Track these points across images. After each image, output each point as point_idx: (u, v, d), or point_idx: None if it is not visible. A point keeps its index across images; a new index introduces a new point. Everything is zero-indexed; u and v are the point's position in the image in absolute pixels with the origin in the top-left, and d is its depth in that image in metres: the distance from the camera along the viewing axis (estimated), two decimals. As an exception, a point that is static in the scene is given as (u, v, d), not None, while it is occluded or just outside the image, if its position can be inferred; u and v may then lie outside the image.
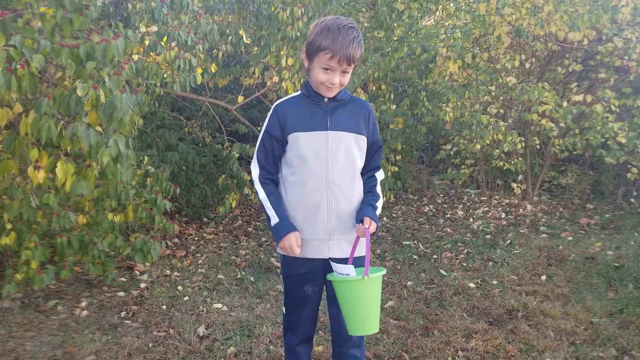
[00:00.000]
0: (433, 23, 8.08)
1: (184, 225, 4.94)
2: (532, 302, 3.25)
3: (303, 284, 1.91)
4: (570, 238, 4.62)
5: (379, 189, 1.93)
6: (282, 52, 4.16)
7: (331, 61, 1.71)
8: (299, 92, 1.89)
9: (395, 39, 5.46)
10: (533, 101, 5.08)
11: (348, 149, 1.83)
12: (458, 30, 6.42)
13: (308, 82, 1.86)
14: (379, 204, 1.89)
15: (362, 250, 1.85)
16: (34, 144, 2.40)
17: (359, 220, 1.81)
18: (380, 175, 1.97)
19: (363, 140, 1.87)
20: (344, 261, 1.84)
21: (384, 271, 1.75)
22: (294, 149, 1.83)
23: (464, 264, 4.02)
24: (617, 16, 4.91)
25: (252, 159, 1.96)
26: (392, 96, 5.28)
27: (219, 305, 3.24)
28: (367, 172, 1.95)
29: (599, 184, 6.08)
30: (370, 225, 1.78)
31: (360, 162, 1.88)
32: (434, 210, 5.77)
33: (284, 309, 2.01)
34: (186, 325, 2.94)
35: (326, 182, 1.81)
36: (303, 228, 1.83)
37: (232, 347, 2.69)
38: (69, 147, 2.32)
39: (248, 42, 4.31)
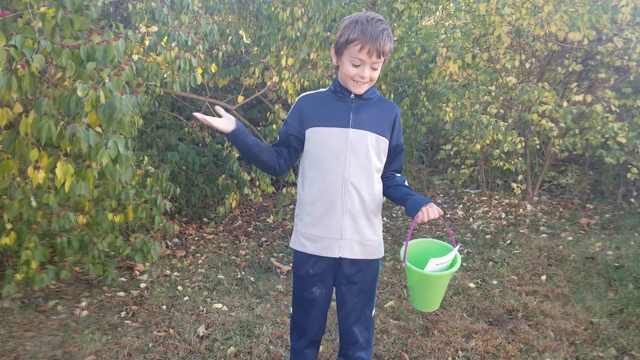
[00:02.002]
0: (433, 23, 8.08)
1: (184, 225, 4.94)
2: (532, 302, 3.25)
3: (312, 285, 1.89)
4: (570, 238, 4.63)
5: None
6: (282, 52, 4.15)
7: (361, 53, 1.68)
8: (327, 88, 1.88)
9: (395, 39, 5.45)
10: (533, 101, 5.08)
11: (368, 149, 1.79)
12: (458, 30, 6.42)
13: (337, 79, 1.83)
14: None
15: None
16: (34, 144, 2.40)
17: (416, 209, 1.72)
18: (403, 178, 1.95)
19: (385, 143, 1.84)
20: (353, 262, 1.83)
21: (457, 266, 1.73)
22: (313, 143, 1.81)
23: (464, 264, 4.02)
24: (617, 16, 4.91)
25: None
26: (392, 96, 5.28)
27: (219, 305, 3.24)
28: (389, 173, 1.92)
29: (599, 184, 6.09)
30: (432, 209, 1.70)
31: (379, 164, 1.85)
32: (434, 210, 5.76)
33: (291, 309, 2.00)
34: (186, 325, 2.94)
35: (343, 180, 1.78)
36: (317, 225, 1.82)
37: (232, 347, 2.69)
38: (68, 147, 2.32)
39: (248, 42, 4.30)
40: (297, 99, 1.90)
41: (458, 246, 1.76)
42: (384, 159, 1.87)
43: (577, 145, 5.33)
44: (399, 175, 1.93)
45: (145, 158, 3.59)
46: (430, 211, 1.68)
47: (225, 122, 1.76)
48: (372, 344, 1.97)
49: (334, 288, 1.94)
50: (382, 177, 1.91)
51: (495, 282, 3.65)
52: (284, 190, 4.83)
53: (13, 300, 3.20)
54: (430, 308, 1.79)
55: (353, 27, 1.69)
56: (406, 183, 1.93)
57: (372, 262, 1.88)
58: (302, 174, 1.88)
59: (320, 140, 1.80)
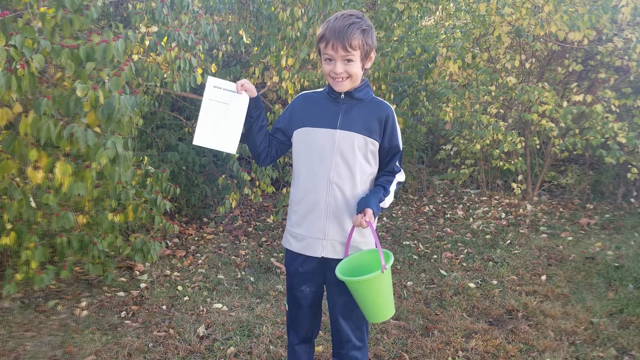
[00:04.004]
0: (433, 23, 8.08)
1: (184, 225, 4.94)
2: (532, 302, 3.25)
3: (301, 283, 1.91)
4: (570, 238, 4.62)
5: (391, 186, 1.85)
6: (282, 52, 4.15)
7: (327, 48, 1.70)
8: (324, 88, 1.88)
9: (395, 39, 5.46)
10: (533, 101, 5.08)
11: (354, 150, 1.78)
12: (458, 30, 6.43)
13: None
14: (386, 196, 1.82)
15: (360, 240, 1.83)
16: (34, 144, 2.40)
17: (359, 209, 1.76)
18: (399, 176, 1.89)
19: (374, 144, 1.81)
20: (338, 262, 1.82)
21: (391, 260, 1.72)
22: (301, 143, 1.84)
23: (464, 264, 4.02)
24: (617, 16, 4.91)
25: (252, 159, 1.97)
26: (392, 96, 5.28)
27: (219, 305, 3.24)
28: (383, 174, 1.89)
29: (599, 184, 6.09)
30: (366, 214, 1.72)
31: (367, 166, 1.83)
32: (434, 210, 5.77)
33: (286, 306, 2.02)
34: (186, 325, 2.94)
35: (327, 181, 1.79)
36: (302, 224, 1.84)
37: (232, 347, 2.69)
38: (67, 147, 2.32)
39: (248, 42, 4.30)
40: (295, 96, 1.93)
41: (386, 259, 1.72)
42: (374, 161, 1.85)
43: (577, 145, 5.33)
44: (398, 175, 1.90)
45: (145, 158, 3.59)
46: (362, 221, 1.72)
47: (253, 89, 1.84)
48: (367, 345, 1.98)
49: (325, 287, 1.95)
50: (378, 177, 1.89)
51: (495, 282, 3.64)
52: (284, 190, 4.83)
53: (13, 300, 3.20)
54: (387, 314, 1.77)
55: (324, 25, 1.72)
56: (396, 181, 1.87)
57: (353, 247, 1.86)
58: (293, 172, 1.92)
59: (308, 141, 1.82)
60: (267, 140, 1.91)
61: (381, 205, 1.80)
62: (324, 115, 1.81)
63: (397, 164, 1.88)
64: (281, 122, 1.91)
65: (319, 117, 1.81)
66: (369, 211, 1.73)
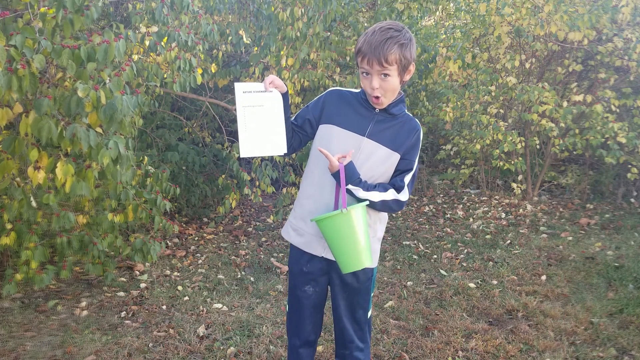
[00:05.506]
0: (433, 23, 8.08)
1: (184, 225, 4.94)
2: (532, 302, 3.25)
3: (304, 283, 1.90)
4: (570, 238, 4.63)
5: (383, 192, 1.75)
6: (282, 52, 4.15)
7: (363, 62, 1.66)
8: (359, 90, 1.83)
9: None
10: (533, 101, 5.09)
11: (376, 162, 1.76)
12: (458, 30, 6.43)
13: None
14: (367, 188, 1.73)
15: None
16: (34, 144, 2.40)
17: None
18: (401, 195, 1.77)
19: (397, 157, 1.78)
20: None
21: (366, 203, 1.70)
22: (324, 139, 1.79)
23: (464, 264, 4.03)
24: (617, 16, 4.91)
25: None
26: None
27: (219, 305, 3.24)
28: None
29: (599, 184, 6.09)
30: (345, 159, 1.70)
31: (383, 179, 1.80)
32: (434, 210, 5.77)
33: (287, 307, 2.01)
34: (186, 325, 2.94)
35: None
36: (305, 219, 1.83)
37: (232, 347, 2.69)
38: (69, 148, 2.32)
39: (248, 42, 4.30)
40: (328, 89, 1.87)
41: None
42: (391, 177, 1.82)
43: (577, 145, 5.33)
44: (402, 193, 1.79)
45: (145, 158, 3.59)
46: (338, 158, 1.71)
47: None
48: (369, 345, 1.97)
49: (329, 288, 1.94)
50: None
51: (495, 282, 3.65)
52: (284, 190, 4.83)
53: (13, 300, 3.20)
54: (360, 263, 1.68)
55: (363, 38, 1.68)
56: (393, 198, 1.77)
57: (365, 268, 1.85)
58: (307, 166, 1.88)
59: (332, 140, 1.77)
60: (291, 131, 1.83)
61: (355, 186, 1.72)
62: (355, 119, 1.78)
63: (404, 180, 1.80)
64: (311, 113, 1.84)
65: (350, 120, 1.78)
66: (350, 159, 1.70)
